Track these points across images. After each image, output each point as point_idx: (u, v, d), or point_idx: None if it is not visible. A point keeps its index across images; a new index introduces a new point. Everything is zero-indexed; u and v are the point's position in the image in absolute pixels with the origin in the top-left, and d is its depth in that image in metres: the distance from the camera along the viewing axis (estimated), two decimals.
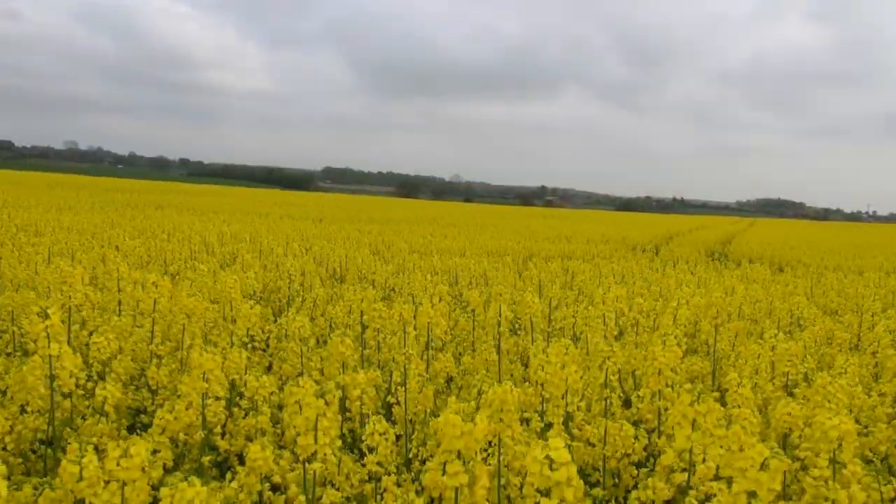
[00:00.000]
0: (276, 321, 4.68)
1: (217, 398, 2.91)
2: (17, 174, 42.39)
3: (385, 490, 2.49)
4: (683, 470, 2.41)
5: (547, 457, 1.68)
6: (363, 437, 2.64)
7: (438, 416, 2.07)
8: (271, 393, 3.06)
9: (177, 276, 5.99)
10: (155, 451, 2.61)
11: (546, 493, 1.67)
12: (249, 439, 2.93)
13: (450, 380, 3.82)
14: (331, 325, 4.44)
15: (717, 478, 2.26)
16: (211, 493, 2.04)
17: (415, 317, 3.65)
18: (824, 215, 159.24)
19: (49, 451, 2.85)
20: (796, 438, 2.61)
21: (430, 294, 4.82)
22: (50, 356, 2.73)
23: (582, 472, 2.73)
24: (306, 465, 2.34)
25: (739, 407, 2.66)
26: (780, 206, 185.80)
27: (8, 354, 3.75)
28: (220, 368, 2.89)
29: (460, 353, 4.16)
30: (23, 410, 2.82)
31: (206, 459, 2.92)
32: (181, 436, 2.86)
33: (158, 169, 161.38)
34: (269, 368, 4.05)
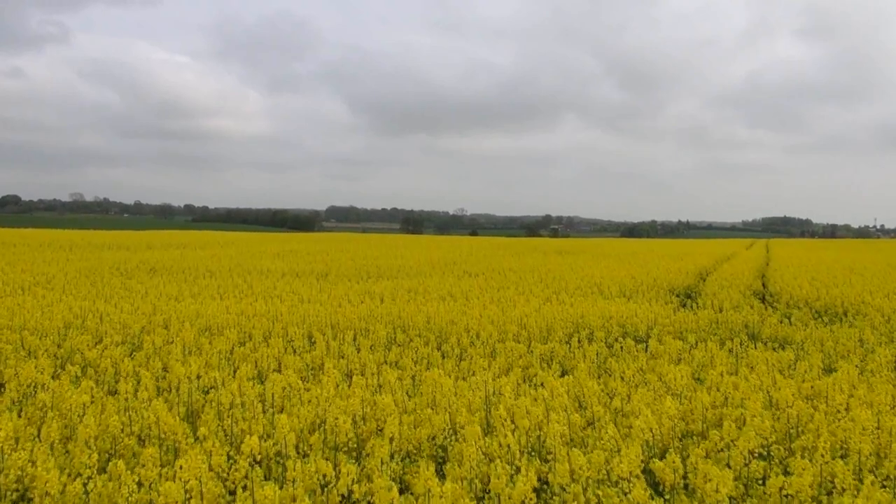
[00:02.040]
0: None
1: None
2: (7, 232, 41.13)
3: None
4: None
5: None
6: None
7: None
8: None
9: None
10: None
11: None
12: None
13: None
14: None
15: None
16: None
17: None
18: (832, 231, 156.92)
19: None
20: None
21: None
22: None
23: None
24: None
25: None
26: (786, 224, 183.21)
27: None
28: None
29: None
30: None
31: None
32: None
33: (164, 216, 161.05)
34: None
